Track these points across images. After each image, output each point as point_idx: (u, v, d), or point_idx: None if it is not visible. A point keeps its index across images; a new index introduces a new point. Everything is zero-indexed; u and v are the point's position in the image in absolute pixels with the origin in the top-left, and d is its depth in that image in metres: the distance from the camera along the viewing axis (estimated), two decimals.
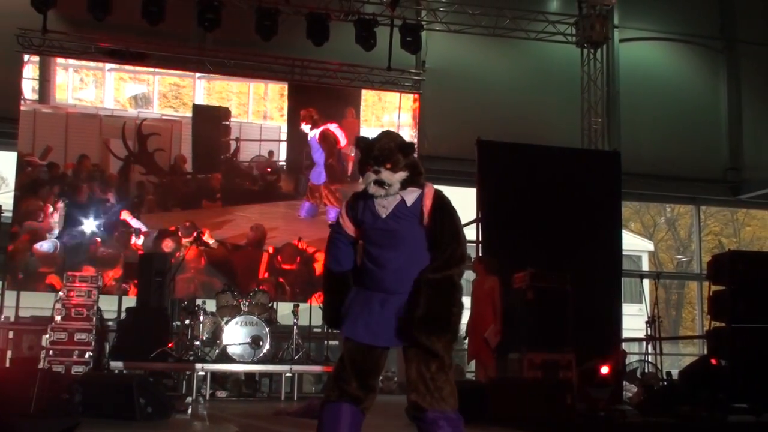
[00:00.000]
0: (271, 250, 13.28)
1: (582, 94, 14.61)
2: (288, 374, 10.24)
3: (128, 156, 13.24)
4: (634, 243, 24.02)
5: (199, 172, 13.57)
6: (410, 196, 3.89)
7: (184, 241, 12.89)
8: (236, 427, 6.70)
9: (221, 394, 10.58)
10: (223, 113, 13.91)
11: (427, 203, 3.88)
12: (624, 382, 9.97)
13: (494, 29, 14.39)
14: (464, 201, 13.69)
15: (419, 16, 14.24)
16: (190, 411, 7.12)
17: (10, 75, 12.89)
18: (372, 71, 14.05)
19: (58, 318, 9.88)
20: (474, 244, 11.72)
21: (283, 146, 14.06)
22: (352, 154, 13.96)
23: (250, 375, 11.23)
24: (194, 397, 9.07)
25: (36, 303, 13.26)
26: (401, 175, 3.86)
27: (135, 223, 12.99)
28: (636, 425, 7.99)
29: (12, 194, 13.09)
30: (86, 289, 9.99)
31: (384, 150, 3.86)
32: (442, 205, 3.90)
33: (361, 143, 3.97)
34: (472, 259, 11.20)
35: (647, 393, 9.00)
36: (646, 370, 10.59)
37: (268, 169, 13.85)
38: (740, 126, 16.39)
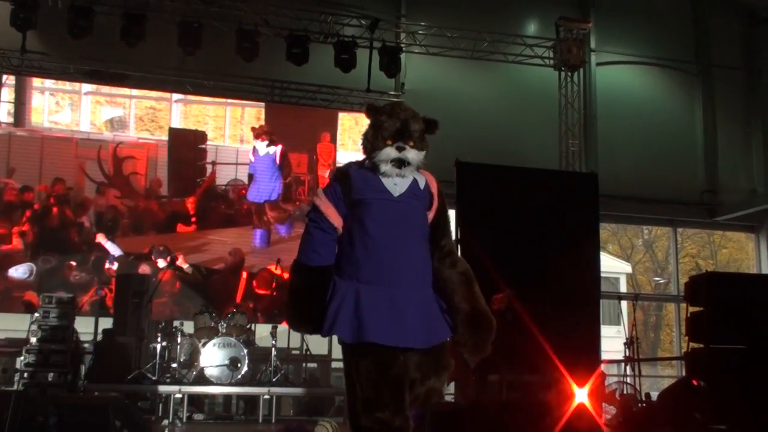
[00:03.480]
0: (245, 275, 13.21)
1: (560, 117, 14.71)
2: (266, 396, 10.16)
3: (103, 179, 13.17)
4: (612, 265, 24.12)
5: (175, 196, 13.51)
6: (418, 177, 3.55)
7: (159, 264, 12.81)
8: None
9: (198, 416, 10.48)
10: (199, 137, 13.90)
11: (434, 188, 3.59)
12: (603, 404, 9.98)
13: (473, 52, 14.50)
14: None
15: (398, 39, 14.33)
16: None
17: None
18: (351, 93, 14.09)
19: (33, 340, 9.77)
20: None
21: None
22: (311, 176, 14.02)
23: (227, 397, 11.15)
24: (171, 420, 8.99)
25: (10, 325, 13.07)
26: (422, 155, 3.49)
27: (110, 247, 12.89)
28: None
29: None
30: (62, 311, 9.89)
31: (411, 124, 3.43)
32: (442, 191, 3.65)
33: (377, 112, 3.50)
34: None
35: (626, 414, 9.01)
36: (625, 392, 10.61)
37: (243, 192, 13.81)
38: (716, 149, 16.56)
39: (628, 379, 11.22)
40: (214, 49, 13.32)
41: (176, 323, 10.89)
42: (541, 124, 15.03)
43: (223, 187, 13.80)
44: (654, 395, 9.88)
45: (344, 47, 13.43)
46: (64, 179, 13.04)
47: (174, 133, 13.84)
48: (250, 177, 13.84)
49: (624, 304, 14.78)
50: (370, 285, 3.35)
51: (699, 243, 25.34)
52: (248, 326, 10.93)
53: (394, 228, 3.40)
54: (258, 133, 13.82)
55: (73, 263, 12.76)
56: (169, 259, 12.45)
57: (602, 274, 12.58)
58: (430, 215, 3.55)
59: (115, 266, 12.82)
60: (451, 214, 11.86)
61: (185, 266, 13.01)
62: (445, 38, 14.40)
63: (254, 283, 13.19)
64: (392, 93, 14.43)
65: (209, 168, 13.77)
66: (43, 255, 12.67)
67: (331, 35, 13.65)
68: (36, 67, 13.15)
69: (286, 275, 12.82)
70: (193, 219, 13.48)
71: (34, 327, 9.86)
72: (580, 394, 8.92)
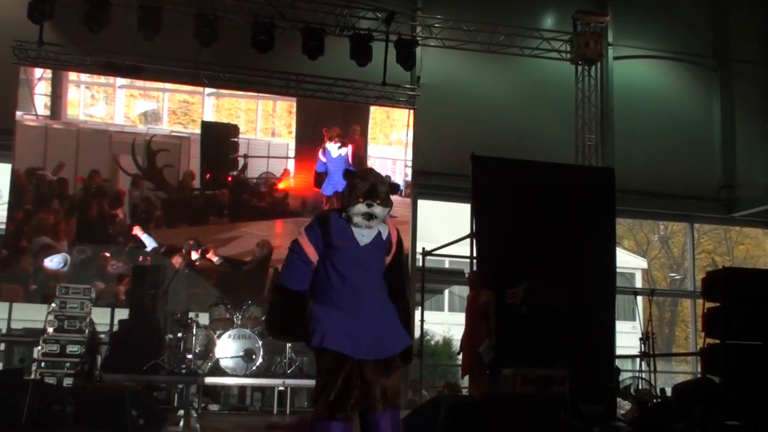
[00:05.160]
0: (279, 267, 13.24)
1: (576, 111, 14.65)
2: (281, 388, 10.20)
3: (137, 172, 13.31)
4: (627, 260, 24.06)
5: (207, 189, 13.63)
6: (383, 229, 4.32)
7: (192, 256, 12.94)
8: None
9: (213, 407, 10.53)
10: (231, 130, 14.01)
11: (394, 237, 4.38)
12: (618, 399, 9.96)
13: (489, 45, 14.45)
14: (458, 216, 13.71)
15: (414, 32, 14.29)
16: (182, 424, 7.08)
17: (6, 87, 12.90)
18: (367, 86, 14.08)
19: (50, 330, 9.83)
20: (468, 260, 11.71)
21: (291, 163, 14.12)
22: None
23: (242, 388, 11.19)
24: (186, 410, 9.04)
25: (28, 315, 13.20)
26: (387, 210, 4.25)
27: (146, 239, 13.03)
28: None
29: (5, 207, 13.12)
30: (79, 301, 9.95)
31: (379, 186, 4.21)
32: (400, 240, 4.47)
33: (353, 175, 4.29)
34: (467, 274, 11.21)
35: (641, 410, 8.99)
36: (640, 387, 10.59)
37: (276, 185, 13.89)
38: (734, 144, 16.47)
39: (643, 375, 11.18)
40: (229, 42, 13.34)
41: (192, 314, 10.95)
42: (557, 118, 14.98)
43: (255, 180, 13.88)
44: (669, 391, 9.84)
45: (360, 40, 13.40)
46: (99, 171, 13.18)
47: (206, 126, 13.94)
48: (322, 175, 13.90)
49: (639, 299, 14.69)
50: (337, 308, 4.18)
51: (715, 239, 25.21)
52: (263, 317, 10.96)
53: (357, 268, 4.22)
54: (331, 136, 13.98)
55: (108, 254, 12.92)
56: (200, 251, 12.64)
57: (618, 270, 12.51)
58: (388, 259, 4.38)
59: (150, 258, 12.95)
60: (467, 208, 11.91)
61: (215, 259, 13.13)
62: (461, 31, 14.35)
63: None
64: (408, 86, 14.41)
65: (241, 161, 13.86)
66: (78, 246, 12.81)
67: (347, 28, 13.62)
68: (53, 59, 13.20)
69: None
70: (226, 211, 13.61)
71: (51, 317, 9.93)
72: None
